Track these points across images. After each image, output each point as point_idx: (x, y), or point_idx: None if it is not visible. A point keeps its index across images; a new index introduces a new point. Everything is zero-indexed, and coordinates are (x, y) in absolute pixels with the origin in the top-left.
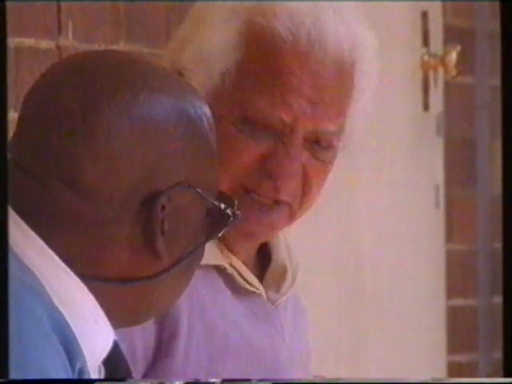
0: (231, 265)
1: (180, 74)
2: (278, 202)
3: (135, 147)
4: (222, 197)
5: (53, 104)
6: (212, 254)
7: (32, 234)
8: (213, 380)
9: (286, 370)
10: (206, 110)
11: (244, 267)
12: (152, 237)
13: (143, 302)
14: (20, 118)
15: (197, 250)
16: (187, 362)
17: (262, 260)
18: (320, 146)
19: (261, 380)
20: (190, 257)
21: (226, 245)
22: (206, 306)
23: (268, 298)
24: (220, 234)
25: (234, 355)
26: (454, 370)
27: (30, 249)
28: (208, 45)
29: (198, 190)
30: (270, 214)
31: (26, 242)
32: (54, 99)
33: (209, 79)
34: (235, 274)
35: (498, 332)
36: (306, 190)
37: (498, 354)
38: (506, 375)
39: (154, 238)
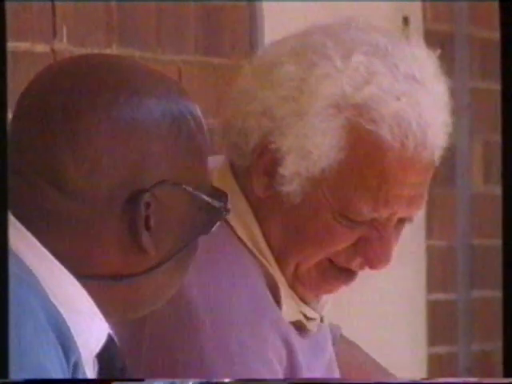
0: (306, 316)
1: (274, 153)
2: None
3: (117, 148)
4: (214, 192)
5: (38, 108)
6: (293, 311)
7: (27, 233)
8: (226, 380)
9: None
10: (193, 109)
11: (313, 312)
12: (137, 233)
13: (136, 297)
14: (11, 121)
15: (189, 246)
16: None
17: None
18: (405, 223)
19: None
20: (182, 252)
21: (300, 297)
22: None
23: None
24: (213, 229)
25: None
26: (434, 361)
27: (26, 247)
28: (311, 141)
29: (185, 186)
30: (349, 281)
31: (21, 241)
32: (39, 103)
33: (307, 170)
34: (308, 324)
35: (477, 325)
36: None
37: (477, 346)
38: (506, 375)
39: (139, 234)
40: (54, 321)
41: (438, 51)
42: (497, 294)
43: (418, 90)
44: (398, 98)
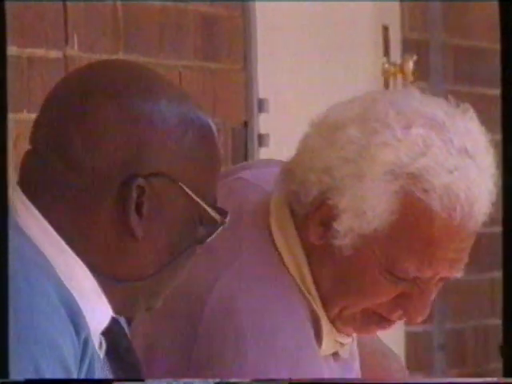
0: (341, 343)
1: (331, 209)
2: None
3: (120, 130)
4: (216, 205)
5: (60, 97)
6: (332, 345)
7: (40, 217)
8: (242, 380)
9: None
10: (206, 123)
11: (347, 338)
12: (127, 214)
13: (132, 299)
14: (39, 113)
15: (186, 252)
16: None
17: None
18: (444, 281)
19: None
20: (178, 259)
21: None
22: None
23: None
24: (208, 240)
25: None
26: (411, 339)
27: (40, 233)
28: (367, 203)
29: (182, 185)
30: (386, 328)
31: (36, 226)
32: (61, 94)
33: (360, 228)
34: (342, 350)
35: (450, 306)
36: None
37: (450, 325)
38: (506, 375)
39: (128, 216)
40: (64, 299)
41: (415, 57)
42: (468, 277)
43: (468, 165)
44: (450, 172)
